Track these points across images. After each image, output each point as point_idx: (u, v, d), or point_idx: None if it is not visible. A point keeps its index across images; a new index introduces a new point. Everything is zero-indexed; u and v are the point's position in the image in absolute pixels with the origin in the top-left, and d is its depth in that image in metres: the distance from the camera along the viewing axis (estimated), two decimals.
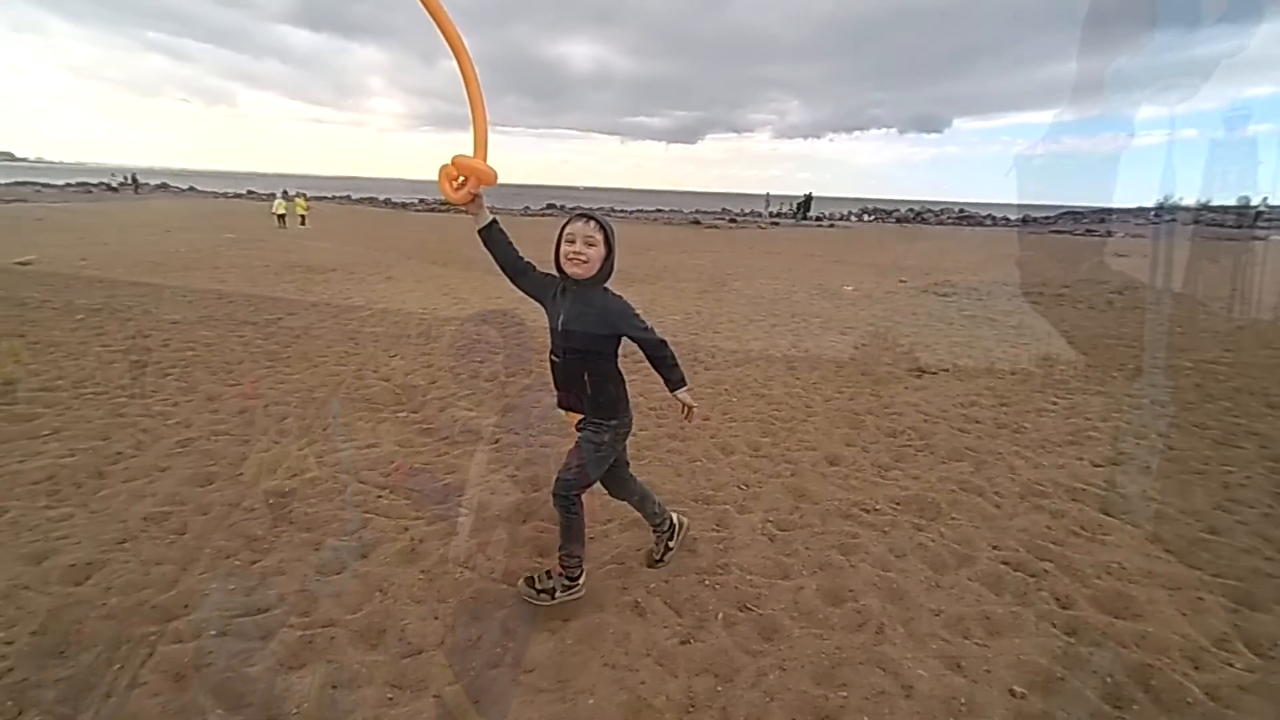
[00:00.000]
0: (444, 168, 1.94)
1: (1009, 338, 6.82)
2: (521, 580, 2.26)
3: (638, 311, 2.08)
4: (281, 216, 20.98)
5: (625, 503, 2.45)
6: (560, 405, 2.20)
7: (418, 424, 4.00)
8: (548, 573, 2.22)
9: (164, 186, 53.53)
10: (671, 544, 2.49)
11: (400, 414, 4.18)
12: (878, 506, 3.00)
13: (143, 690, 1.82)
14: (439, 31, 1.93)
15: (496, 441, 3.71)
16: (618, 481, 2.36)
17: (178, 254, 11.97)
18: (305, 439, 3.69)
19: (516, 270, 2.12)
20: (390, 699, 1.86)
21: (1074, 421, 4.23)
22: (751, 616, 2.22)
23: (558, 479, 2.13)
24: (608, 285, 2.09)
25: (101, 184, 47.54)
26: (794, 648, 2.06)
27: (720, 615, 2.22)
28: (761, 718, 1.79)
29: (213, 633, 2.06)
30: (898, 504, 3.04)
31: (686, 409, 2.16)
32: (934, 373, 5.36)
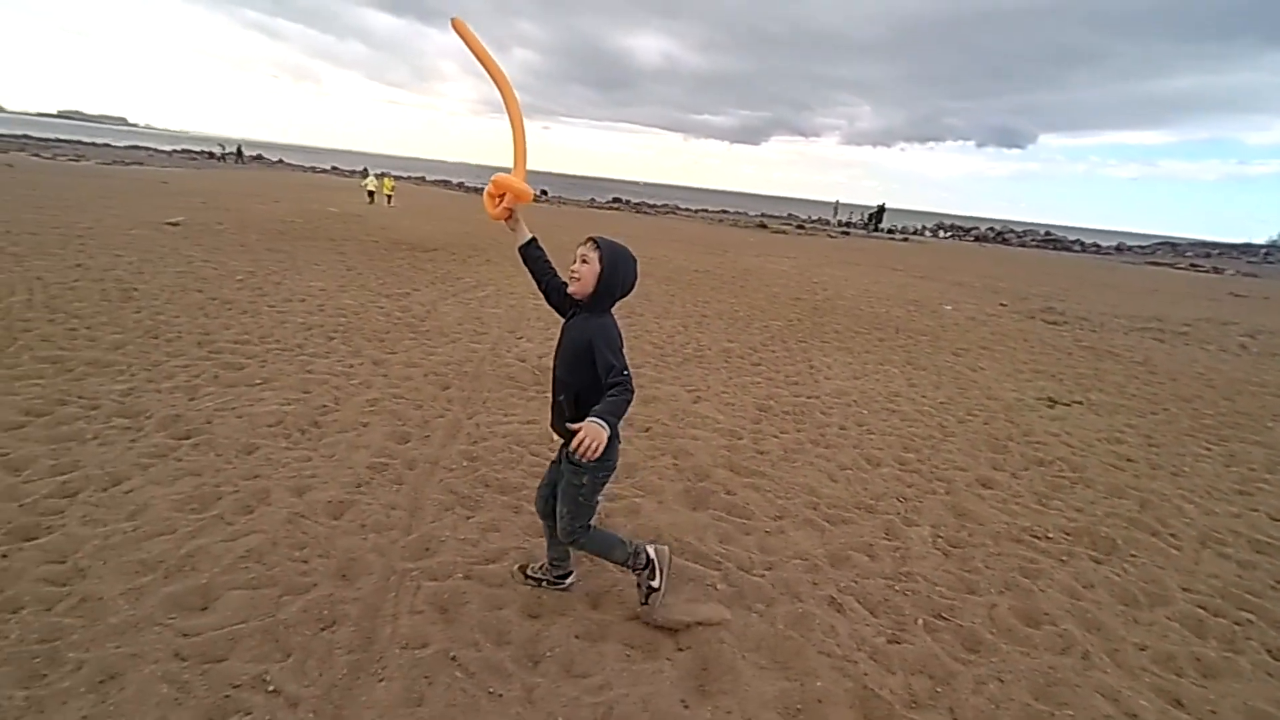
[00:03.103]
0: (488, 186, 2.05)
1: (1139, 374, 6.49)
2: (641, 608, 2.19)
3: (617, 341, 1.88)
4: (371, 193, 22.23)
5: (543, 522, 2.27)
6: (551, 425, 2.11)
7: None
8: (636, 586, 2.21)
9: (259, 158, 57.41)
10: (548, 585, 2.31)
11: (544, 394, 4.41)
12: (1049, 535, 2.99)
13: (421, 618, 2.08)
14: (481, 65, 2.02)
15: (647, 430, 3.89)
16: (550, 499, 2.18)
17: (294, 224, 12.89)
18: (470, 409, 3.99)
19: (550, 288, 2.09)
20: (628, 656, 2.05)
21: (1237, 470, 4.03)
22: (951, 626, 2.29)
23: (561, 532, 2.09)
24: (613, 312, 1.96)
25: (203, 152, 51.61)
26: (1005, 662, 2.12)
27: (920, 621, 2.30)
28: None
29: (460, 575, 2.32)
30: (1069, 534, 3.02)
31: (579, 441, 1.63)
32: (1066, 404, 5.19)
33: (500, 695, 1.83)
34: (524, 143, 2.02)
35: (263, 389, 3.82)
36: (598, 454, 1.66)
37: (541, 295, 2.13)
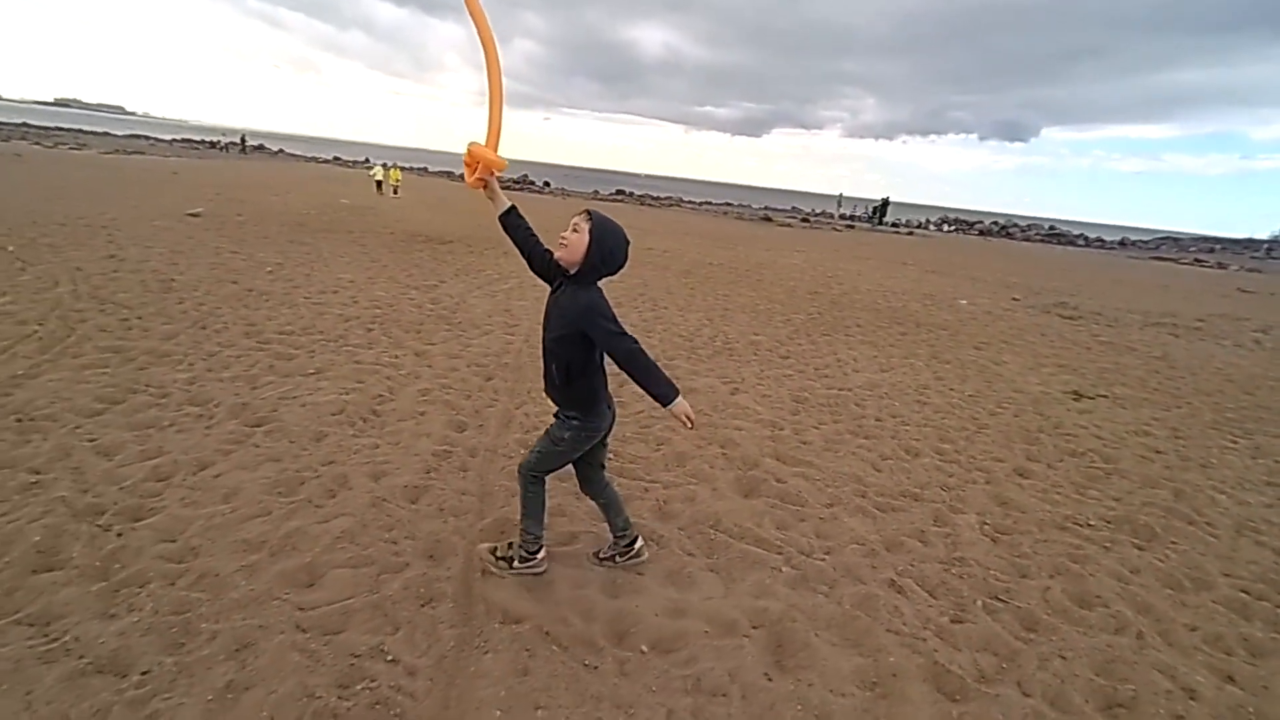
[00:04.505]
0: (464, 155, 2.05)
1: (1159, 369, 6.59)
2: (483, 545, 2.31)
3: (609, 311, 1.92)
4: (379, 183, 22.29)
5: (594, 502, 2.38)
6: (545, 391, 2.19)
7: None
8: (509, 543, 2.30)
9: (260, 148, 57.07)
10: (620, 559, 2.38)
11: None
12: (1091, 523, 3.10)
13: (511, 595, 2.19)
14: (474, 28, 2.04)
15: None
16: (587, 480, 2.31)
17: (310, 214, 12.94)
18: (516, 399, 4.09)
19: (532, 254, 2.11)
20: (707, 633, 2.16)
21: (1264, 463, 4.14)
22: (1009, 607, 2.40)
23: (522, 461, 2.21)
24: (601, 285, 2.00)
25: (204, 141, 51.44)
26: (1065, 640, 2.23)
27: (979, 602, 2.41)
28: (1059, 698, 1.98)
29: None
30: (1109, 522, 3.13)
31: (683, 423, 1.87)
32: (1092, 398, 5.30)
33: (596, 667, 1.94)
34: (500, 111, 2.02)
35: (318, 379, 3.92)
36: (693, 416, 1.89)
37: (525, 262, 2.14)
